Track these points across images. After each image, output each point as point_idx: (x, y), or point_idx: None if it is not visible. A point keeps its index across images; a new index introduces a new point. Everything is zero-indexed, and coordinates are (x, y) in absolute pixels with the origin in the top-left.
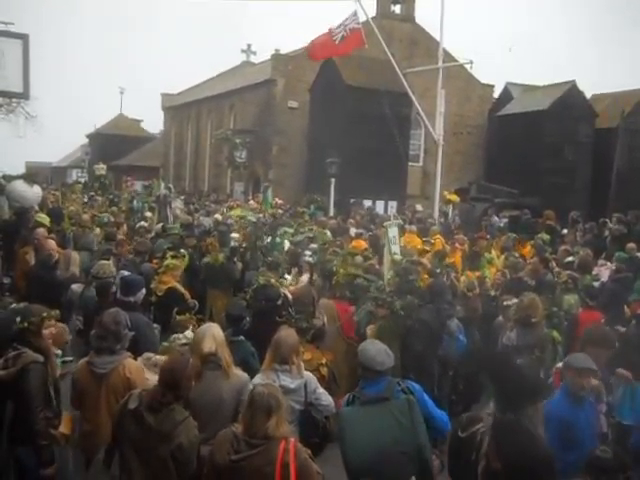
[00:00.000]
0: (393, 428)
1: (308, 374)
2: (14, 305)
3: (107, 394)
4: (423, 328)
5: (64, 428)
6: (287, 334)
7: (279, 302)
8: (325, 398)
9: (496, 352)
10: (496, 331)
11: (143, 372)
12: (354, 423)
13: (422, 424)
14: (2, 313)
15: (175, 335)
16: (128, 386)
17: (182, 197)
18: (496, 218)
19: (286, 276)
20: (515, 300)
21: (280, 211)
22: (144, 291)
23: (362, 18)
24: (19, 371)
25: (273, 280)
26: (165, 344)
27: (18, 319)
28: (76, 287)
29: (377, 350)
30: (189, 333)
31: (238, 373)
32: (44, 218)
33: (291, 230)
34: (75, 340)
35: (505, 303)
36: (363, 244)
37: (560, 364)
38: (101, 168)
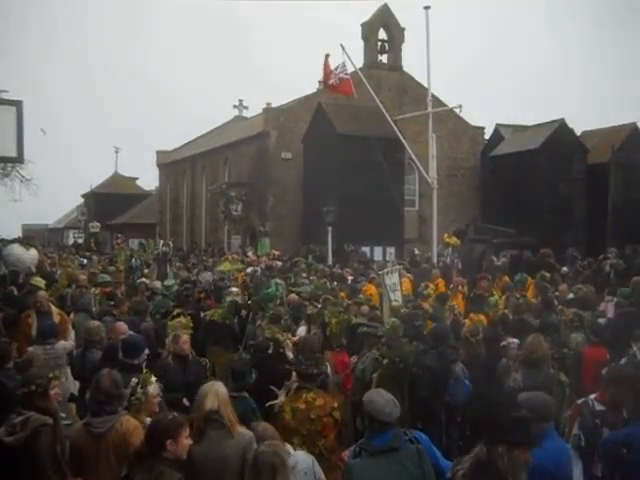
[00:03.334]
0: (403, 478)
1: (299, 454)
2: None
3: (106, 453)
4: (427, 374)
5: None
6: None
7: (270, 351)
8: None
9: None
10: (501, 373)
11: (141, 429)
12: (364, 475)
13: (432, 473)
14: (4, 379)
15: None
16: (126, 443)
17: (179, 253)
18: (494, 258)
19: (301, 328)
20: (513, 340)
21: (279, 263)
22: (147, 351)
23: (350, 69)
24: (29, 435)
25: (279, 334)
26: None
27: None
28: (60, 346)
29: (385, 400)
30: (152, 388)
31: (242, 431)
32: (40, 281)
33: (282, 282)
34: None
35: (502, 344)
36: (373, 289)
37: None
38: (95, 226)
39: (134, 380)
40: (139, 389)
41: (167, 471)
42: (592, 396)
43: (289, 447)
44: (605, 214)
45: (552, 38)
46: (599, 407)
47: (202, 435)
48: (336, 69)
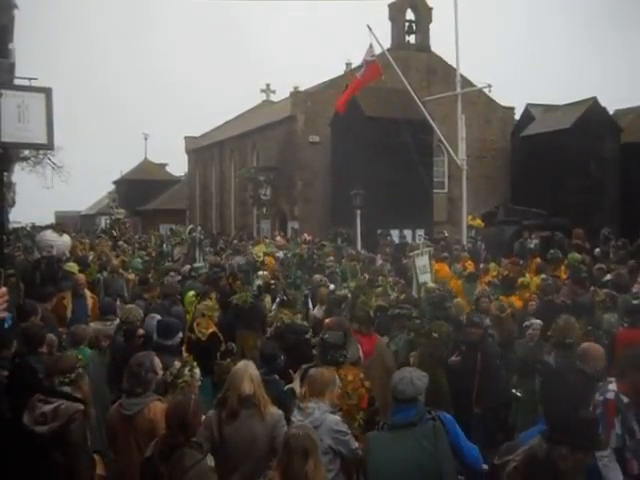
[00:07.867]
0: (416, 453)
1: (330, 418)
2: None
3: (135, 436)
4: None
5: (98, 469)
6: (317, 372)
7: (307, 336)
8: (349, 443)
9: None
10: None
11: None
12: (379, 447)
13: (447, 451)
14: (36, 364)
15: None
16: (152, 429)
17: (209, 238)
18: (529, 240)
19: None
20: (534, 320)
21: (305, 246)
22: (181, 334)
23: (378, 50)
24: (63, 424)
25: (286, 317)
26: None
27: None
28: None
29: (400, 378)
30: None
31: (272, 411)
32: (73, 267)
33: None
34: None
35: (525, 324)
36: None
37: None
38: (119, 212)
39: (177, 363)
40: (187, 371)
41: (189, 452)
42: (614, 387)
43: (320, 408)
44: (639, 194)
45: (584, 15)
46: (625, 399)
47: (236, 416)
48: (365, 56)
